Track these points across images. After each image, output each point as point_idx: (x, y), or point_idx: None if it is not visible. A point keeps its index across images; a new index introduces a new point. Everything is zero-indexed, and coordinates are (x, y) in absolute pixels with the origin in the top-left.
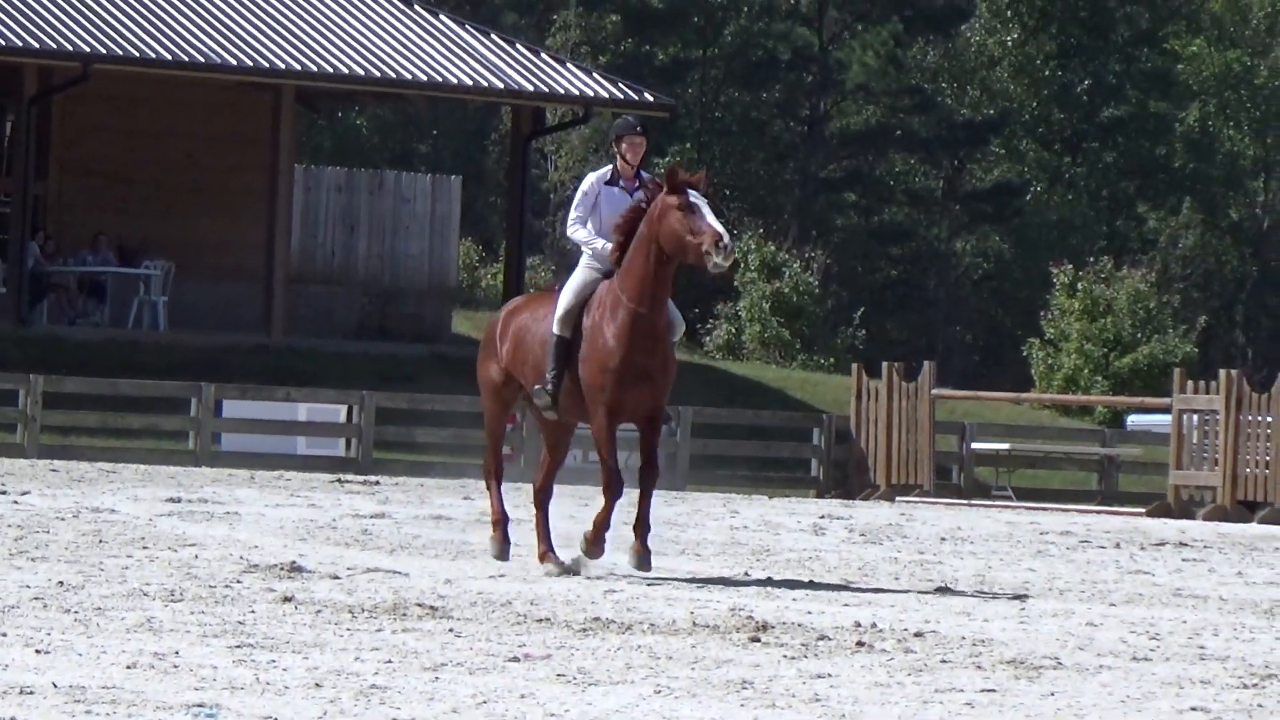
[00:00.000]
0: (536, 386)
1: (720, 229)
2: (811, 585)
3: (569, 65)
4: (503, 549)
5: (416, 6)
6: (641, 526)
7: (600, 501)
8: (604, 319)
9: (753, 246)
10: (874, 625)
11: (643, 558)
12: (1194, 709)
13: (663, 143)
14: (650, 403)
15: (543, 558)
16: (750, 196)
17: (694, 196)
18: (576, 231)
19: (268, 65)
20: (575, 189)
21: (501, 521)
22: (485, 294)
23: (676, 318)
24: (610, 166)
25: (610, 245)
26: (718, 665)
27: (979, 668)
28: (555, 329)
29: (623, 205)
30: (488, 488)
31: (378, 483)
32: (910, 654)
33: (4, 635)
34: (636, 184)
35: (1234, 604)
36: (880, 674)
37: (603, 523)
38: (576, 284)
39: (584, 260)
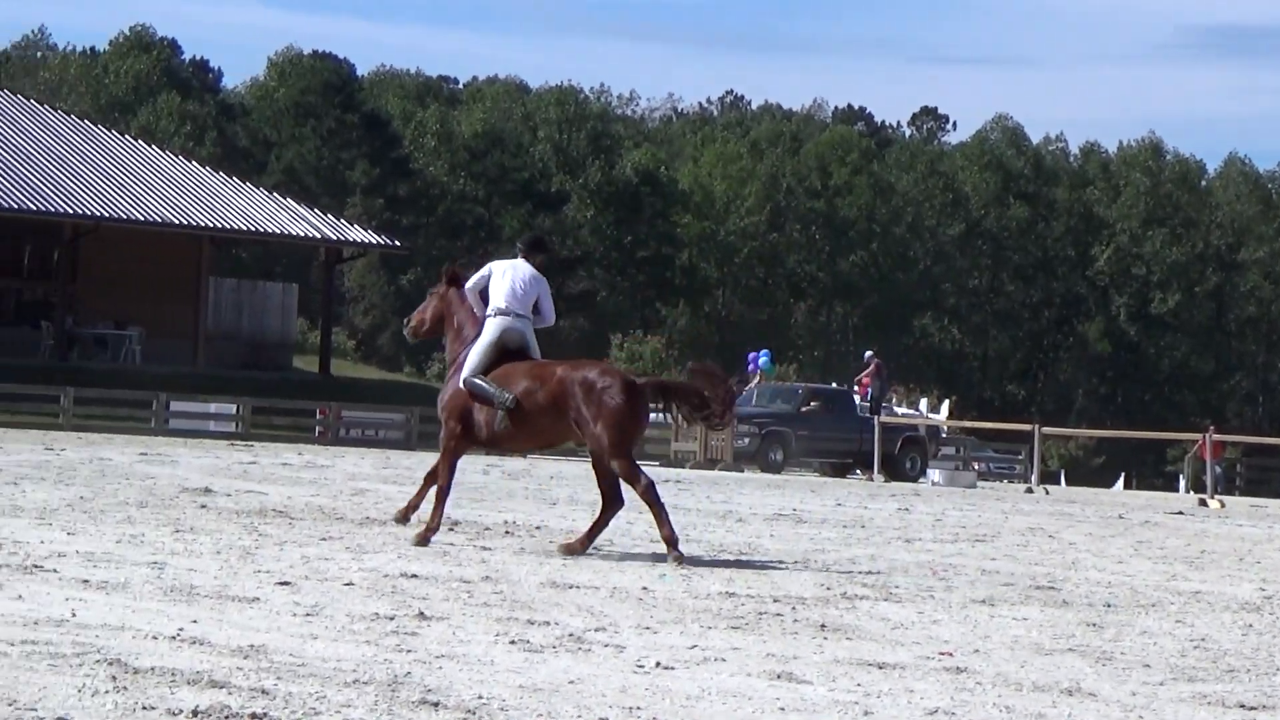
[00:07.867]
0: None
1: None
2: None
3: (354, 224)
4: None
5: (276, 194)
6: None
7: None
8: None
9: None
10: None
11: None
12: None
13: (401, 268)
14: None
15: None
16: None
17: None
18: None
19: (195, 224)
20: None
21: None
22: (310, 347)
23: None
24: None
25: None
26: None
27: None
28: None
29: None
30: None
31: (251, 445)
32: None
33: (50, 524)
34: None
35: (704, 513)
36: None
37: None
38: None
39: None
